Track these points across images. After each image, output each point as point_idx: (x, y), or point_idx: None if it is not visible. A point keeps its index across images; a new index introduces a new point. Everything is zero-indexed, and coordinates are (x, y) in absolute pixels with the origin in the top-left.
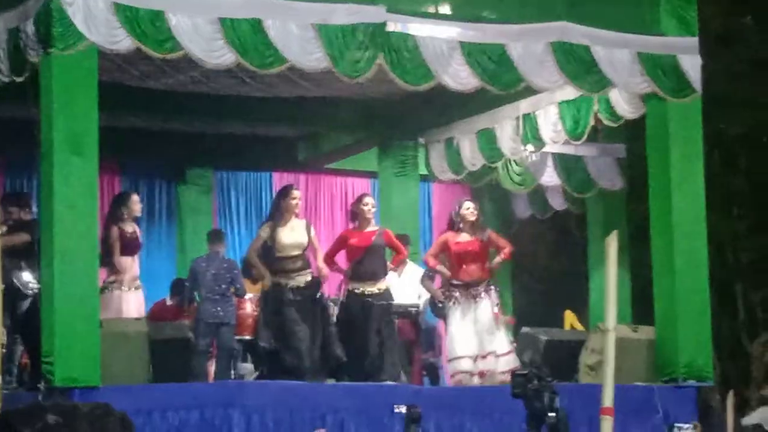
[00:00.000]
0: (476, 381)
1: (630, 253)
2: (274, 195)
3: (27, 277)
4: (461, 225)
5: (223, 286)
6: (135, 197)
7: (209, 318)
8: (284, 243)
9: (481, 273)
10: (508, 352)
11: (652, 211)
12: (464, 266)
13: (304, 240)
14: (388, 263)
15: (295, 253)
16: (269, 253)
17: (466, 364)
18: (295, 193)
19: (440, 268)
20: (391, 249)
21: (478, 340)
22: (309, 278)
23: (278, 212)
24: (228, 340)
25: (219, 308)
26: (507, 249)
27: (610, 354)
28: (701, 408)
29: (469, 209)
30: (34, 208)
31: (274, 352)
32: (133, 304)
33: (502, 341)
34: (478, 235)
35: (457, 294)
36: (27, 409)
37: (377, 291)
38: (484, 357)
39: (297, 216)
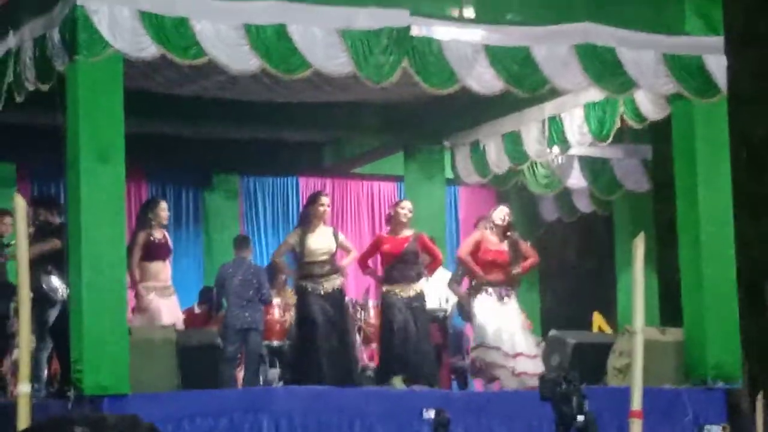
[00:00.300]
0: (508, 377)
1: (657, 254)
2: (300, 200)
3: (56, 282)
4: (492, 228)
5: (251, 292)
6: (163, 204)
7: (237, 324)
8: (312, 248)
9: (505, 277)
10: (535, 356)
11: (678, 212)
12: (490, 269)
13: (332, 246)
14: (423, 269)
15: (323, 258)
16: (298, 260)
17: (498, 357)
18: (324, 199)
19: (473, 266)
20: (426, 254)
21: (510, 339)
22: (337, 283)
23: (307, 219)
24: (256, 345)
25: (247, 314)
26: (531, 260)
27: (638, 356)
28: (731, 409)
29: (499, 215)
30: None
31: (298, 358)
32: (165, 310)
33: (530, 344)
34: (507, 242)
35: (488, 289)
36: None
37: (412, 293)
38: (514, 357)
39: (325, 223)
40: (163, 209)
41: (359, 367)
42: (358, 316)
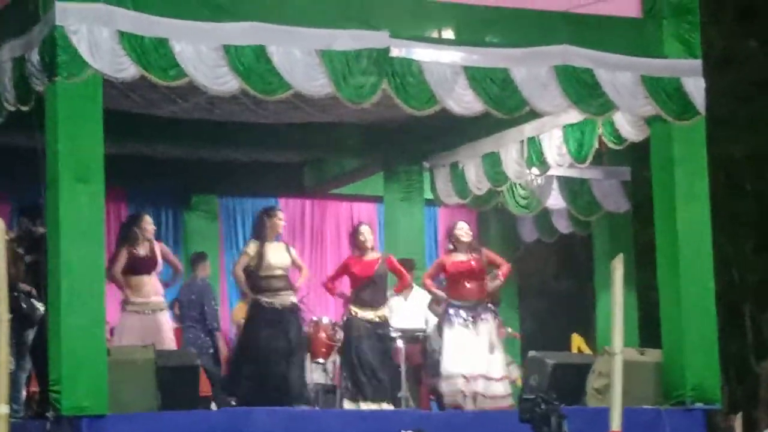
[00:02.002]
0: (469, 403)
1: (636, 275)
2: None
3: (35, 302)
4: (456, 245)
5: (194, 312)
6: (147, 218)
7: (189, 345)
8: (270, 262)
9: (480, 293)
10: (502, 378)
11: (657, 233)
12: (463, 285)
13: (288, 261)
14: (390, 289)
15: (280, 273)
16: (252, 273)
17: (459, 383)
18: (281, 213)
19: (435, 290)
20: (394, 274)
21: (473, 361)
22: (292, 299)
23: (264, 231)
24: (209, 367)
25: (191, 335)
26: (504, 267)
27: (617, 377)
28: (710, 431)
29: (462, 230)
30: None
31: (234, 372)
32: (136, 328)
33: (497, 366)
34: (473, 255)
35: (453, 312)
36: None
37: (377, 319)
38: (475, 379)
39: (280, 237)
40: (149, 222)
41: (305, 386)
42: (337, 336)
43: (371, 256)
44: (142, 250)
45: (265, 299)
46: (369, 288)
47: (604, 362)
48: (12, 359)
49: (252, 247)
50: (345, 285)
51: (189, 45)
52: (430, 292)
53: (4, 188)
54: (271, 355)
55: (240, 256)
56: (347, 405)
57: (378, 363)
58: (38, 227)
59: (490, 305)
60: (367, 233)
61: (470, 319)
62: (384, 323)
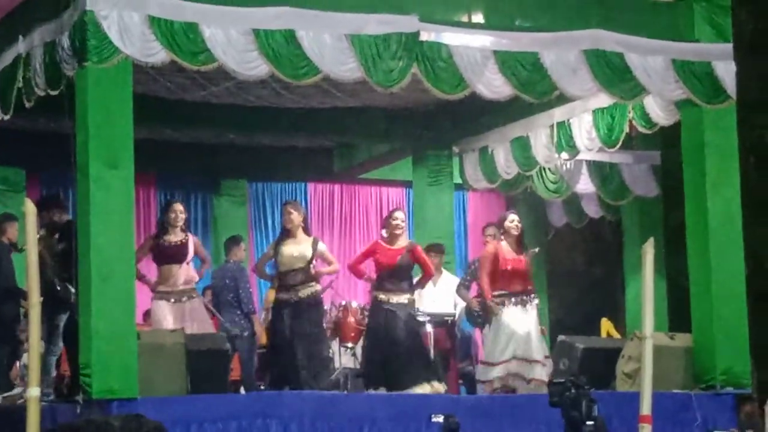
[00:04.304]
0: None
1: (666, 260)
2: (309, 205)
3: (70, 286)
4: (505, 237)
5: (230, 296)
6: (175, 206)
7: (223, 329)
8: (285, 257)
9: (525, 284)
10: (544, 361)
11: (687, 217)
12: (512, 281)
13: (308, 253)
14: (415, 279)
15: (298, 266)
16: (275, 270)
17: (500, 371)
18: (288, 206)
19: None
20: (419, 265)
21: (517, 346)
22: (311, 291)
23: (283, 225)
24: (242, 351)
25: (226, 319)
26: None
27: (647, 361)
28: (739, 415)
29: (513, 222)
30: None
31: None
32: (170, 317)
33: (539, 348)
34: (522, 253)
35: (501, 300)
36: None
37: (401, 302)
38: (519, 361)
39: (305, 232)
40: (174, 211)
41: (333, 373)
42: (366, 321)
43: (399, 244)
44: (172, 239)
45: (283, 295)
46: (392, 277)
47: (634, 347)
48: (42, 342)
49: (271, 246)
50: (371, 267)
51: (219, 29)
52: (488, 303)
53: (34, 173)
54: (288, 348)
55: (262, 255)
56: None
57: (399, 350)
58: (62, 215)
59: (533, 296)
60: (400, 220)
61: (519, 304)
62: (409, 305)
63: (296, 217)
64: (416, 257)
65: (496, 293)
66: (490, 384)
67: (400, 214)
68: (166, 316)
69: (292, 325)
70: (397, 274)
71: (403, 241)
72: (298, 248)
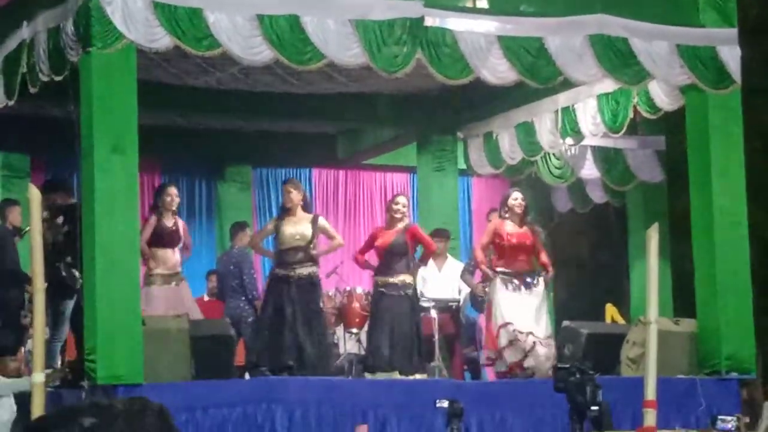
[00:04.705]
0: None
1: (671, 245)
2: (314, 191)
3: (76, 272)
4: (509, 215)
5: (234, 282)
6: (170, 189)
7: (227, 315)
8: (286, 234)
9: (529, 263)
10: (548, 339)
11: (692, 203)
12: (514, 257)
13: (308, 232)
14: (417, 260)
15: (297, 244)
16: (275, 247)
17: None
18: (289, 186)
19: (485, 269)
20: (420, 244)
21: (522, 319)
22: (310, 271)
23: (284, 204)
24: (246, 337)
25: (232, 305)
26: (545, 255)
27: (652, 346)
28: (744, 400)
29: (517, 200)
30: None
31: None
32: (164, 301)
33: (543, 327)
34: (526, 228)
35: (502, 280)
36: (61, 413)
37: (398, 283)
38: (525, 336)
39: (305, 210)
40: (169, 194)
41: (327, 356)
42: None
43: (397, 227)
44: (168, 222)
45: (280, 271)
46: (387, 259)
47: (639, 332)
48: (47, 329)
49: (271, 221)
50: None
51: (223, 15)
52: (480, 268)
53: (39, 158)
54: (284, 327)
55: (262, 229)
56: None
57: (400, 333)
58: (65, 198)
59: (539, 276)
60: (401, 205)
61: (520, 286)
62: (406, 286)
63: (296, 195)
64: (414, 236)
65: (499, 270)
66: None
67: (402, 199)
68: (158, 301)
69: (292, 303)
70: (390, 254)
71: (403, 225)
72: (297, 227)
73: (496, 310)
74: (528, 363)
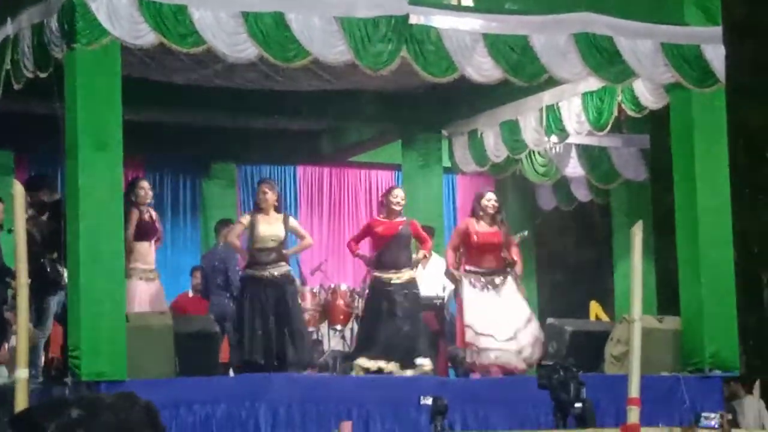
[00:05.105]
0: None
1: (655, 243)
2: (298, 189)
3: (62, 268)
4: (481, 215)
5: (219, 279)
6: (142, 183)
7: (212, 312)
8: (260, 234)
9: (498, 262)
10: (530, 320)
11: (676, 201)
12: (483, 256)
13: (281, 232)
14: (414, 255)
15: (271, 244)
16: (248, 246)
17: (491, 342)
18: (264, 186)
19: (453, 270)
20: (416, 240)
21: (503, 324)
22: (284, 270)
23: (257, 203)
24: (229, 335)
25: (216, 302)
26: (517, 262)
27: (636, 344)
28: (727, 398)
29: (490, 201)
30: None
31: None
32: (145, 294)
33: (512, 326)
34: (497, 227)
35: (469, 280)
36: (50, 404)
37: (400, 281)
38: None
39: (276, 210)
40: (142, 188)
41: (307, 353)
42: (355, 303)
43: (399, 219)
44: (145, 217)
45: (255, 272)
46: (391, 250)
47: (623, 329)
48: (31, 324)
49: (246, 217)
50: (365, 249)
51: (208, 11)
52: (449, 269)
53: (23, 155)
54: (261, 327)
55: (235, 224)
56: (359, 362)
57: (399, 324)
58: (52, 195)
59: (507, 270)
60: (400, 197)
61: (487, 286)
62: (409, 283)
63: (271, 196)
64: (415, 231)
65: (467, 269)
66: (485, 367)
67: (399, 192)
68: (141, 295)
69: (269, 303)
70: (397, 244)
71: (400, 218)
72: (271, 228)
73: (464, 309)
74: (481, 362)
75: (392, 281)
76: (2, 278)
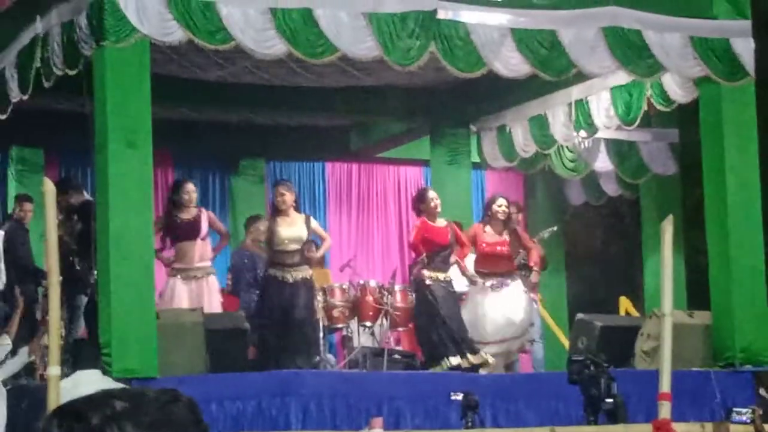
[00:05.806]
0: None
1: (684, 238)
2: (326, 185)
3: (87, 266)
4: (491, 220)
5: (247, 276)
6: (186, 186)
7: (242, 310)
8: (281, 236)
9: (508, 266)
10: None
11: (706, 195)
12: (491, 261)
13: (303, 234)
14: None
15: (293, 247)
16: (268, 248)
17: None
18: (281, 187)
19: (468, 273)
20: (456, 243)
21: (512, 324)
22: (304, 274)
23: (275, 205)
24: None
25: (245, 300)
26: (534, 254)
27: (667, 339)
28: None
29: (501, 207)
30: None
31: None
32: (183, 293)
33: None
34: (506, 236)
35: (479, 281)
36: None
37: (448, 278)
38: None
39: (296, 210)
40: (186, 192)
41: (315, 356)
42: (385, 300)
43: (440, 222)
44: (184, 217)
45: (276, 273)
46: (443, 254)
47: (653, 325)
48: (62, 323)
49: (263, 223)
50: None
51: (236, 8)
52: (462, 272)
53: (53, 153)
54: (278, 328)
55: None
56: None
57: (459, 320)
58: (79, 197)
59: (516, 274)
60: (436, 199)
61: (497, 286)
62: (451, 282)
63: (288, 198)
64: (457, 234)
65: (480, 270)
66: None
67: (434, 193)
68: (181, 295)
69: (289, 306)
70: (447, 251)
71: (441, 220)
72: (292, 229)
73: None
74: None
75: (445, 279)
76: (33, 278)
